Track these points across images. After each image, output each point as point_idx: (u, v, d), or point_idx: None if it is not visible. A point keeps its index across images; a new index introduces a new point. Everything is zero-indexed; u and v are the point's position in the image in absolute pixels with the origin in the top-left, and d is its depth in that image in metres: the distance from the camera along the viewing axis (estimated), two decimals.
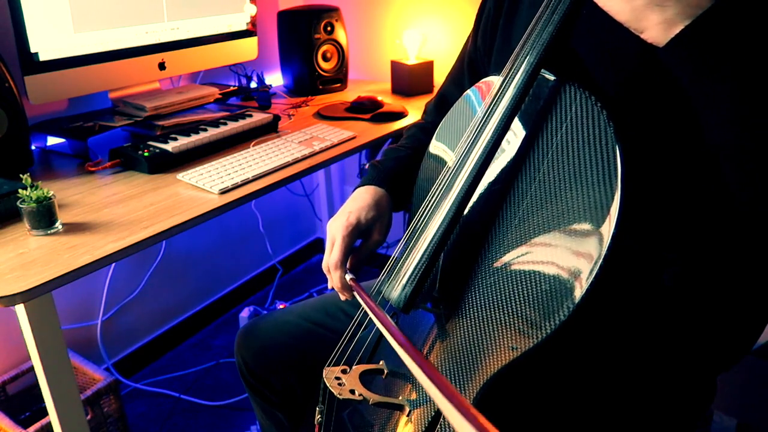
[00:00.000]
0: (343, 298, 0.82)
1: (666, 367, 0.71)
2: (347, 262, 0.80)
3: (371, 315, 0.68)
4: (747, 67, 0.52)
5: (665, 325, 0.68)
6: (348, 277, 0.78)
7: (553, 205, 0.57)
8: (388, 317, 0.65)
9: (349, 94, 1.82)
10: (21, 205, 0.95)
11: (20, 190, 0.95)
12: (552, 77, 0.62)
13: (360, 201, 0.84)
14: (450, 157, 0.76)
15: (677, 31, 0.53)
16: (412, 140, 0.98)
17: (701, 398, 0.76)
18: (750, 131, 0.53)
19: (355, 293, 0.76)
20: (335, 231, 0.81)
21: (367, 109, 1.60)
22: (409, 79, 1.79)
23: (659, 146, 0.63)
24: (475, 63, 0.92)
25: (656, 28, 0.54)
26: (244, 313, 1.92)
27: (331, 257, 0.79)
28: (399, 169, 0.91)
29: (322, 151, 1.33)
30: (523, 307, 0.57)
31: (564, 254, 0.55)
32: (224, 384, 1.79)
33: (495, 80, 0.72)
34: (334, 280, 0.80)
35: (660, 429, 0.74)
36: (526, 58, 0.63)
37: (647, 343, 0.69)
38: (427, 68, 1.82)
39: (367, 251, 0.84)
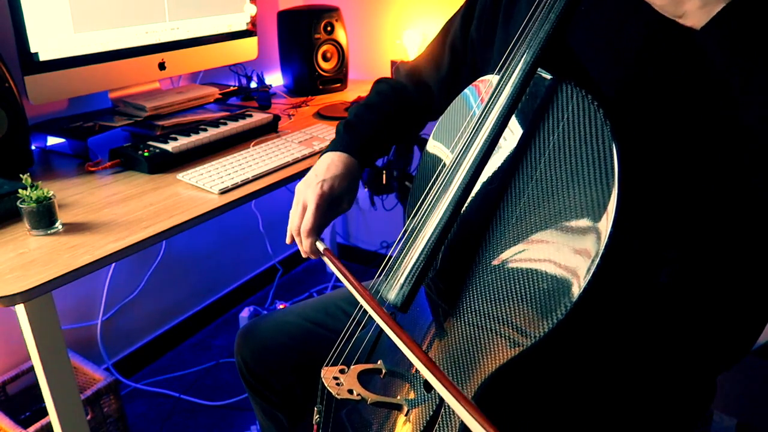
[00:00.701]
0: (304, 255, 0.85)
1: (666, 367, 0.70)
2: (320, 229, 0.83)
3: (344, 281, 0.70)
4: None
5: (664, 324, 0.68)
6: (321, 247, 0.81)
7: (551, 204, 0.57)
8: (363, 287, 0.67)
9: (349, 94, 1.83)
10: (21, 205, 0.95)
11: (20, 190, 0.96)
12: (549, 76, 0.62)
13: (334, 169, 0.86)
14: (447, 156, 0.76)
15: (715, 12, 0.53)
16: (383, 99, 0.97)
17: (701, 398, 0.76)
18: None
19: (326, 259, 0.79)
20: (309, 198, 0.83)
21: None
22: None
23: (657, 144, 0.63)
24: (458, 49, 0.91)
25: (697, 12, 0.54)
26: (244, 313, 1.92)
27: (304, 224, 0.82)
28: (372, 137, 0.92)
29: (321, 151, 1.33)
30: (521, 306, 0.57)
31: (562, 252, 0.55)
32: (224, 384, 1.79)
33: (491, 79, 0.72)
34: (304, 245, 0.83)
35: (660, 429, 0.74)
36: (522, 56, 0.63)
37: (646, 342, 0.69)
38: None
39: (333, 219, 0.87)
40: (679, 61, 0.62)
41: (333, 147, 0.90)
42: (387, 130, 0.93)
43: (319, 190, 0.83)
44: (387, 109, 0.95)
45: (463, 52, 0.91)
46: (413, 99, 0.96)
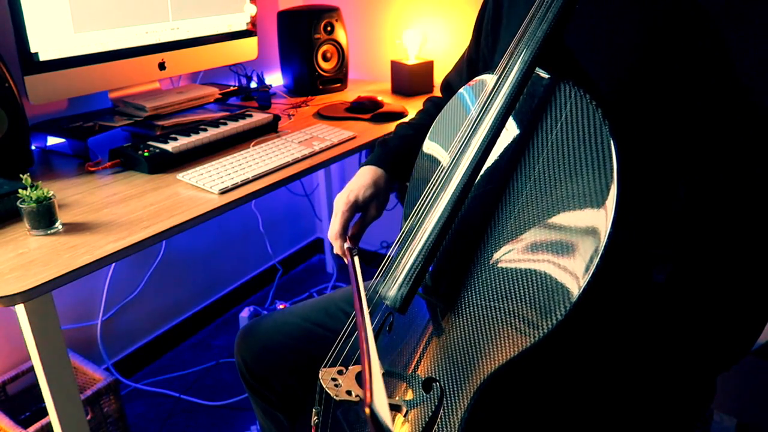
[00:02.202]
0: (346, 261, 0.90)
1: (665, 367, 0.71)
2: (346, 233, 0.92)
3: (353, 284, 0.71)
4: None
5: (663, 325, 0.68)
6: (346, 246, 0.90)
7: (549, 203, 0.57)
8: (364, 295, 0.67)
9: (349, 94, 1.82)
10: (21, 205, 0.95)
11: (20, 190, 0.96)
12: (546, 75, 0.62)
13: (361, 180, 0.95)
14: (444, 157, 0.76)
15: None
16: (424, 116, 1.04)
17: (701, 398, 0.76)
18: None
19: (347, 261, 0.86)
20: (338, 206, 0.93)
21: (367, 109, 1.60)
22: (409, 79, 1.79)
23: (655, 142, 0.63)
24: (473, 63, 0.94)
25: None
26: (244, 313, 1.92)
27: (331, 228, 0.92)
28: (402, 149, 0.99)
29: (322, 151, 1.33)
30: (520, 306, 0.57)
31: (560, 252, 0.55)
32: (224, 384, 1.79)
33: (486, 78, 0.72)
34: (335, 247, 0.92)
35: (660, 429, 0.74)
36: (520, 56, 0.63)
37: (645, 342, 0.69)
38: (427, 68, 1.82)
39: (365, 225, 0.96)
40: (676, 57, 0.62)
41: (366, 162, 1.00)
42: (423, 136, 0.96)
43: (346, 198, 0.92)
44: (424, 123, 1.00)
45: (477, 64, 0.95)
46: None
